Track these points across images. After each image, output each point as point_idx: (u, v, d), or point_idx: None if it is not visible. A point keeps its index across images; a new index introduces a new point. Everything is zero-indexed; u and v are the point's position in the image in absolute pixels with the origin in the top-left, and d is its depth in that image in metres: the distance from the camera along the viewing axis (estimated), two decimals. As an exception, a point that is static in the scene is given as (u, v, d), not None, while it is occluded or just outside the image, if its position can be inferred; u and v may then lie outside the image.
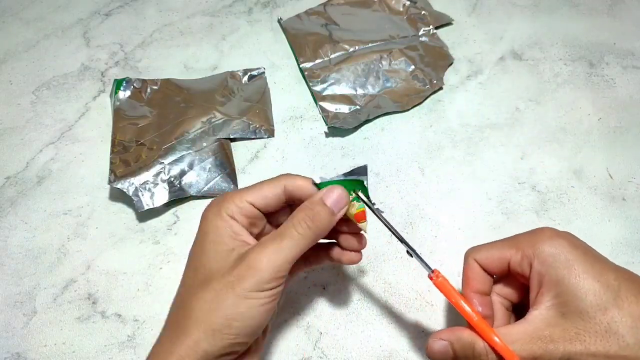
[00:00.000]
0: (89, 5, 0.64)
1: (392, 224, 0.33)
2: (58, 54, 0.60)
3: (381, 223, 0.33)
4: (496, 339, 0.29)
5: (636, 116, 0.53)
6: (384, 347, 0.41)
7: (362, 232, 0.34)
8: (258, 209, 0.32)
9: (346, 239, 0.35)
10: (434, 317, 0.42)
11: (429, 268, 0.32)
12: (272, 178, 0.33)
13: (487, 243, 0.33)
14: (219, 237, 0.31)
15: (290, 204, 0.34)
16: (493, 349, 0.29)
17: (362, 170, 0.33)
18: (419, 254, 0.33)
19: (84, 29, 0.62)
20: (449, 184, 0.49)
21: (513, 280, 0.33)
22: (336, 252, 0.35)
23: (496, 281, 0.34)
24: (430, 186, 0.49)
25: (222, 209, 0.31)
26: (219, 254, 0.30)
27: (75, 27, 0.62)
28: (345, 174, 0.33)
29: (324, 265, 0.36)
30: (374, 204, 0.33)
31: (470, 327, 0.30)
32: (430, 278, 0.32)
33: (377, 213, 0.33)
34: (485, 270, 0.32)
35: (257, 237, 0.33)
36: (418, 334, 0.41)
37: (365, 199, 0.33)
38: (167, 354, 0.29)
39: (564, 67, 0.57)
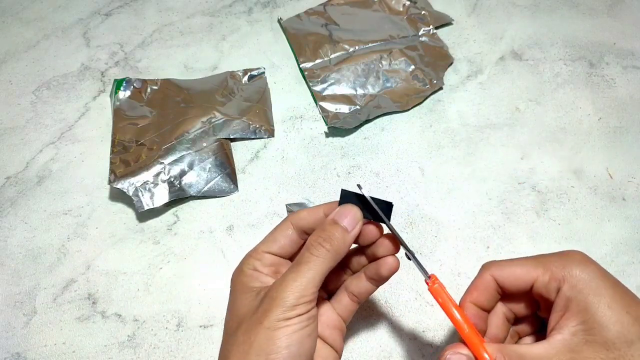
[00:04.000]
0: (89, 5, 0.64)
1: (392, 223, 0.33)
2: (58, 54, 0.60)
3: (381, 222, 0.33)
4: (486, 355, 0.28)
5: (636, 116, 0.53)
6: (384, 347, 0.41)
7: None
8: (277, 255, 0.33)
9: (376, 247, 0.34)
10: (434, 317, 0.42)
11: (426, 273, 0.32)
12: (280, 222, 0.34)
13: (509, 260, 0.31)
14: (244, 288, 0.31)
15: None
16: None
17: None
18: (417, 258, 0.32)
19: (84, 29, 0.62)
20: (449, 184, 0.49)
21: (525, 296, 0.32)
22: (371, 268, 0.34)
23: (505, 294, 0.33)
24: (430, 186, 0.49)
25: (244, 267, 0.32)
26: (246, 301, 0.31)
27: (75, 27, 0.62)
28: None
29: (372, 294, 0.35)
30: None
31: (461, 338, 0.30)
32: (427, 283, 0.31)
33: (381, 213, 0.32)
34: (501, 286, 0.31)
35: None
36: (418, 334, 0.41)
37: (368, 196, 0.32)
38: None
39: (564, 67, 0.57)
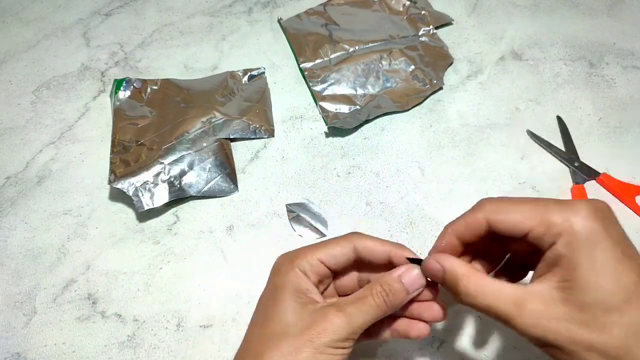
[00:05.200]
0: (89, 5, 0.64)
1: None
2: (58, 54, 0.60)
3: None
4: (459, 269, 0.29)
5: (636, 116, 0.53)
6: (384, 346, 0.41)
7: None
8: (327, 267, 0.33)
9: (418, 307, 0.33)
10: (434, 317, 0.42)
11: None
12: (342, 236, 0.33)
13: (507, 201, 0.29)
14: (293, 291, 0.31)
15: (356, 266, 0.35)
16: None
17: None
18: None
19: (84, 29, 0.62)
20: (449, 184, 0.49)
21: (494, 247, 0.32)
22: (402, 324, 0.34)
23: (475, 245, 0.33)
24: (430, 186, 0.49)
25: (295, 265, 0.32)
26: (294, 309, 0.31)
27: (75, 27, 0.62)
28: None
29: (386, 340, 0.36)
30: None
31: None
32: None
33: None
34: (493, 229, 0.30)
35: (323, 295, 0.34)
36: (418, 334, 0.41)
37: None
38: None
39: (564, 67, 0.57)
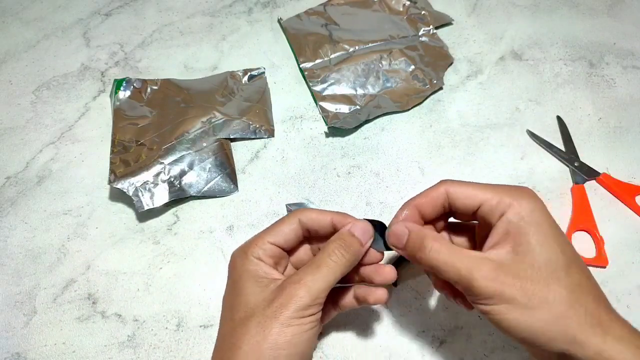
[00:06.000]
0: (89, 5, 0.64)
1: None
2: (58, 54, 0.60)
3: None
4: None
5: (636, 116, 0.53)
6: (384, 347, 0.41)
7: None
8: (280, 248, 0.34)
9: (374, 274, 0.35)
10: (434, 317, 0.42)
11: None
12: (287, 215, 0.35)
13: (465, 181, 0.33)
14: (252, 278, 0.33)
15: (307, 240, 0.37)
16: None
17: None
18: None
19: (84, 29, 0.62)
20: (449, 184, 0.49)
21: (467, 217, 0.35)
22: (361, 291, 0.36)
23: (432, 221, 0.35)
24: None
25: (249, 254, 0.33)
26: (255, 291, 0.32)
27: (75, 27, 0.62)
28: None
29: (351, 309, 0.38)
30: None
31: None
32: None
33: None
34: (451, 202, 0.33)
35: (284, 275, 0.35)
36: (418, 334, 0.41)
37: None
38: None
39: (564, 67, 0.57)
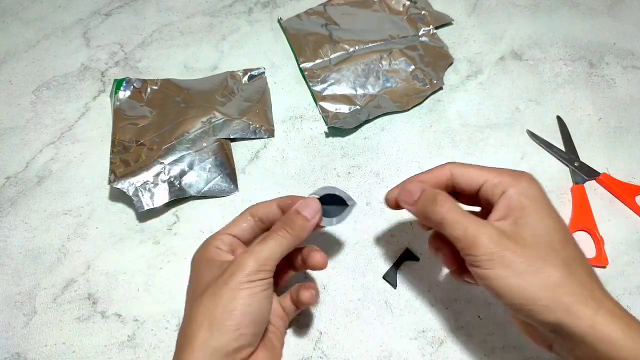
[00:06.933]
0: (89, 5, 0.64)
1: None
2: (58, 54, 0.60)
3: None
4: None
5: (636, 116, 0.53)
6: (384, 347, 0.41)
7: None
8: (237, 238, 0.38)
9: (308, 256, 0.38)
10: (433, 317, 0.42)
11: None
12: (241, 212, 0.39)
13: (469, 164, 0.36)
14: (209, 262, 0.36)
15: (262, 229, 0.39)
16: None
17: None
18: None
19: (84, 29, 0.62)
20: (449, 184, 0.49)
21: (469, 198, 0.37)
22: (294, 291, 0.39)
23: None
24: (430, 186, 0.49)
25: (209, 245, 0.37)
26: (211, 271, 0.35)
27: (75, 27, 0.62)
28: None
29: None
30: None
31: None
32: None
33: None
34: (455, 182, 0.36)
35: None
36: (418, 334, 0.41)
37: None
38: None
39: (564, 67, 0.57)
